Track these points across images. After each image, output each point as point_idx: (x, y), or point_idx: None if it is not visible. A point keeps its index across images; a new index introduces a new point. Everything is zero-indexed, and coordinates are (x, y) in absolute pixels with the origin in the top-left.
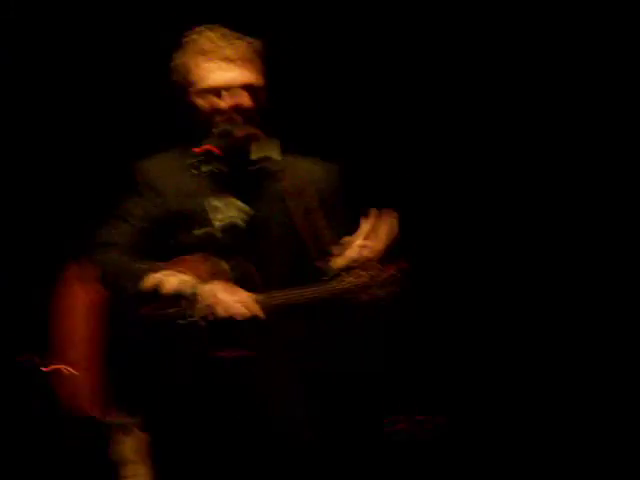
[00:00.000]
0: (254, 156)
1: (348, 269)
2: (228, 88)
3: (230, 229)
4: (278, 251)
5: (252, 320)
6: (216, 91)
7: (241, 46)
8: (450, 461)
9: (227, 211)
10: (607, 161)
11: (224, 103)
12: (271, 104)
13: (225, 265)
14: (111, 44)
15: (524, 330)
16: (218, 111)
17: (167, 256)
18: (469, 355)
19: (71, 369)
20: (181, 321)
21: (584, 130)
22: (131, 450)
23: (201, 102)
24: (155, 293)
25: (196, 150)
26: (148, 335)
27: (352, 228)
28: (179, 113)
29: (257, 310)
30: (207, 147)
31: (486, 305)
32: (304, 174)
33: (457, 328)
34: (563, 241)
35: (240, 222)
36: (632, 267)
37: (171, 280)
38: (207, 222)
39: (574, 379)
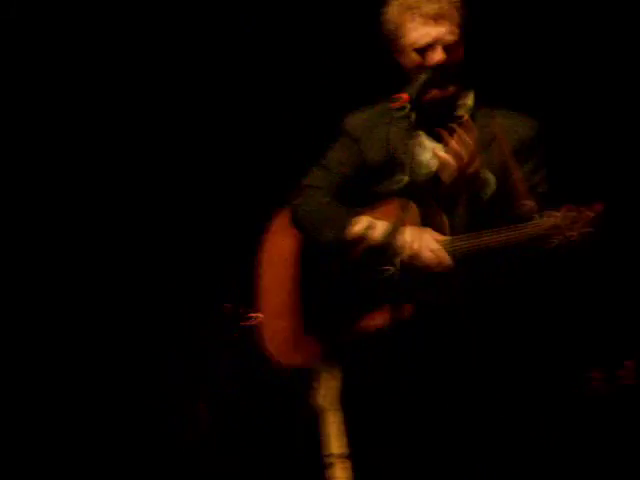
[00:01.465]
0: (456, 108)
1: (542, 213)
2: (431, 46)
3: (430, 178)
4: (473, 196)
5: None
6: (419, 50)
7: (443, 2)
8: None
9: (428, 160)
10: None
11: (426, 61)
12: (473, 57)
13: (419, 211)
14: None
15: None
16: (421, 68)
17: (364, 203)
18: None
19: (272, 318)
20: (384, 274)
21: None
22: (330, 397)
23: (405, 58)
24: (357, 240)
25: (393, 104)
26: (347, 282)
27: (548, 184)
28: (391, 63)
29: (449, 262)
30: (403, 100)
31: None
32: (501, 124)
33: None
34: None
35: (438, 171)
36: None
37: (378, 228)
38: (406, 171)
39: None
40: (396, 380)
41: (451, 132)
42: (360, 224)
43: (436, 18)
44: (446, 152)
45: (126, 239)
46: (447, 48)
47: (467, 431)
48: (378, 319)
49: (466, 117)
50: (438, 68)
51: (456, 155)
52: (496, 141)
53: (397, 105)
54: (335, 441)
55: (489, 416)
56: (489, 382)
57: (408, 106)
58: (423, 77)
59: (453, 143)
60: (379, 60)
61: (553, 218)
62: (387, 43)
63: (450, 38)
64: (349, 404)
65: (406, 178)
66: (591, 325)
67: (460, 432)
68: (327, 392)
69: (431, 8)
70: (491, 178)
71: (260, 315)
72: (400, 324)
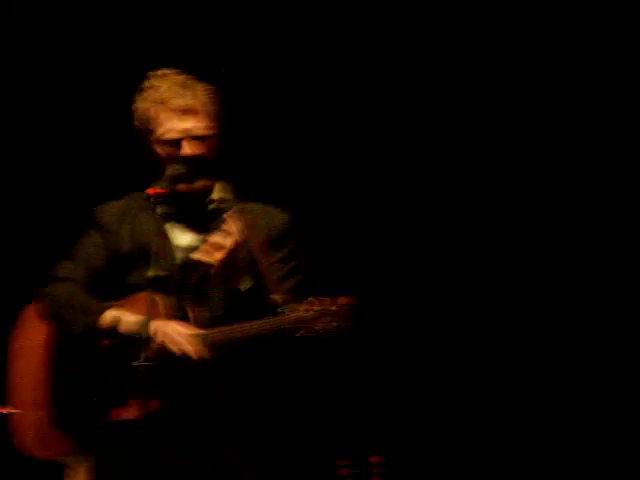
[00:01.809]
0: (213, 197)
1: (300, 302)
2: (186, 139)
3: (186, 268)
4: (229, 289)
5: (200, 360)
6: (174, 142)
7: (200, 95)
8: None
9: (183, 251)
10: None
11: (182, 152)
12: (225, 149)
13: (176, 302)
14: (75, 83)
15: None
16: (175, 160)
17: (119, 294)
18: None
19: (22, 410)
20: (135, 363)
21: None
22: None
23: (160, 150)
24: (110, 331)
25: (150, 192)
26: (99, 371)
27: (301, 272)
28: (143, 155)
29: (203, 351)
30: (159, 189)
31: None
32: (255, 216)
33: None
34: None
35: (192, 261)
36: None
37: (127, 319)
38: (162, 262)
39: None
40: (150, 472)
41: (214, 224)
42: (110, 316)
43: (187, 112)
44: (205, 245)
45: None
46: (201, 141)
47: None
48: (129, 412)
49: (229, 214)
50: (189, 161)
51: (217, 248)
52: (249, 232)
53: (154, 196)
54: None
55: None
56: (243, 470)
57: (166, 198)
58: (179, 170)
59: (215, 237)
60: (132, 151)
61: (296, 311)
62: (140, 135)
63: (201, 132)
64: None
65: (154, 270)
66: (343, 416)
67: None
68: None
69: (182, 102)
70: (247, 271)
71: (10, 408)
72: (150, 417)
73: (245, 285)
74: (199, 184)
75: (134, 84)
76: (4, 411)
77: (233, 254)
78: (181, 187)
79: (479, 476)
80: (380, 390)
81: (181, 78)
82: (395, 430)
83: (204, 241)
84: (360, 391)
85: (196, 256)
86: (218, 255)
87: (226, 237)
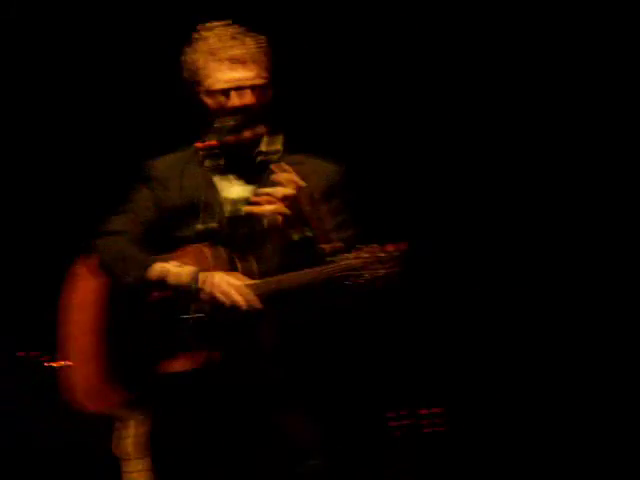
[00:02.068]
0: (262, 149)
1: (348, 250)
2: (236, 89)
3: (235, 221)
4: (279, 241)
5: (251, 310)
6: (224, 91)
7: (249, 45)
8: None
9: (232, 203)
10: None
11: (231, 103)
12: (276, 100)
13: (226, 254)
14: (128, 40)
15: (518, 318)
16: (225, 111)
17: (170, 248)
18: (466, 344)
19: (74, 363)
20: (185, 315)
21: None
22: (133, 445)
23: (209, 101)
24: (159, 282)
25: (198, 145)
26: (149, 324)
27: (353, 224)
28: (193, 108)
29: (255, 300)
30: (208, 142)
31: (485, 293)
32: (307, 167)
33: (454, 313)
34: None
35: (244, 213)
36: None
37: (176, 271)
38: (211, 215)
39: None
40: (202, 424)
41: (264, 176)
42: (159, 268)
43: (236, 61)
44: (255, 197)
45: None
46: (252, 91)
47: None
48: (179, 364)
49: (278, 165)
50: (244, 111)
51: (267, 200)
52: (297, 186)
53: (203, 149)
54: None
55: (296, 458)
56: (296, 422)
57: (215, 151)
58: (229, 121)
59: (265, 188)
60: (182, 106)
61: (345, 260)
62: (190, 87)
63: (256, 81)
64: (156, 451)
65: (203, 223)
66: (397, 367)
67: (269, 474)
68: (133, 439)
69: (231, 52)
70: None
71: (61, 361)
72: (205, 368)
73: (295, 236)
74: (248, 134)
75: (184, 37)
76: (57, 365)
77: (283, 205)
78: (230, 139)
79: (528, 426)
80: (430, 340)
81: (230, 29)
82: (446, 382)
83: (253, 193)
84: (409, 341)
85: (246, 208)
86: (268, 207)
87: (276, 188)
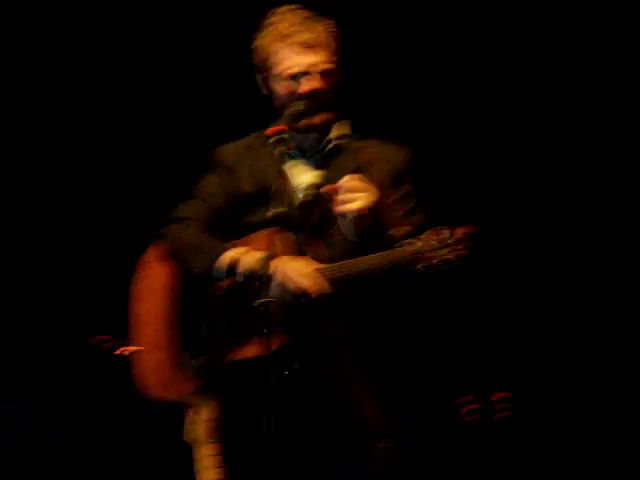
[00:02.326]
0: (330, 135)
1: (417, 235)
2: (306, 74)
3: (306, 206)
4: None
5: (321, 295)
6: (294, 77)
7: (319, 31)
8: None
9: (303, 189)
10: None
11: (302, 88)
12: (344, 84)
13: (295, 240)
14: (197, 29)
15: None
16: (295, 96)
17: (238, 234)
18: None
19: (145, 350)
20: (256, 302)
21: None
22: (205, 430)
23: (279, 87)
24: (230, 270)
25: (268, 131)
26: (220, 311)
27: (422, 209)
28: (261, 94)
29: (325, 285)
30: (278, 128)
31: (552, 278)
32: (375, 152)
33: (523, 297)
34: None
35: (313, 199)
36: None
37: (247, 258)
38: (279, 201)
39: None
40: (271, 410)
41: (334, 162)
42: (229, 255)
43: (307, 47)
44: (324, 179)
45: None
46: (322, 76)
47: (343, 462)
48: (250, 350)
49: (348, 151)
50: (309, 96)
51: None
52: (370, 169)
53: (273, 134)
54: (210, 474)
55: (365, 445)
56: (366, 410)
57: (284, 135)
58: (299, 106)
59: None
60: (251, 91)
61: (414, 244)
62: (259, 72)
63: (325, 66)
64: (225, 436)
65: (273, 209)
66: (467, 351)
67: (336, 463)
68: (202, 425)
69: (302, 37)
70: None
71: (131, 348)
72: (275, 354)
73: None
74: (318, 120)
75: (252, 24)
76: (128, 352)
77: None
78: (300, 124)
79: (601, 414)
80: (501, 325)
81: (301, 14)
82: (518, 366)
83: (324, 179)
84: (480, 326)
85: (317, 193)
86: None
87: (346, 174)
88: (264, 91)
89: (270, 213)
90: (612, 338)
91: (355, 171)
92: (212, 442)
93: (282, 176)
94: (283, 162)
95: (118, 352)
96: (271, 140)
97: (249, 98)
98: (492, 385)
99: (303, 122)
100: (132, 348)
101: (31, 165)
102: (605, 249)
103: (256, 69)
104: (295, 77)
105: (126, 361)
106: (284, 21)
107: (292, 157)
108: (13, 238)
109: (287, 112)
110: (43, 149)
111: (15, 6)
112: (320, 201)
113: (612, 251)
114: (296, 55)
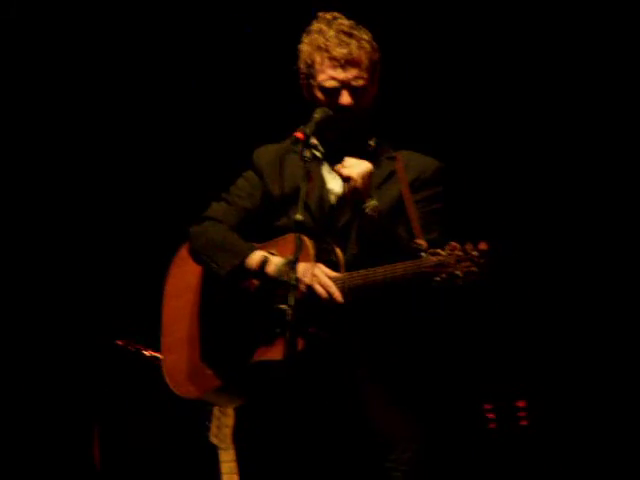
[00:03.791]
0: (360, 142)
1: (432, 250)
2: (337, 89)
3: (336, 211)
4: (370, 234)
5: (345, 302)
6: (333, 90)
7: (363, 45)
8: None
9: (334, 194)
10: None
11: (340, 101)
12: (380, 98)
13: (322, 246)
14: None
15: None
16: (334, 107)
17: (267, 236)
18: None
19: (174, 349)
20: (282, 306)
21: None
22: (223, 435)
23: (320, 95)
24: (258, 271)
25: (298, 135)
26: (246, 312)
27: (441, 222)
28: (305, 98)
29: (340, 297)
30: (303, 131)
31: (567, 294)
32: (408, 160)
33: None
34: None
35: (337, 205)
36: None
37: (276, 260)
38: (310, 205)
39: None
40: (289, 413)
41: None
42: (258, 256)
43: (350, 61)
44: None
45: (26, 270)
46: (353, 92)
47: (360, 466)
48: (275, 352)
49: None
50: (344, 110)
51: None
52: (395, 178)
53: (300, 140)
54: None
55: (381, 450)
56: (381, 415)
57: (314, 140)
58: (317, 116)
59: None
60: (297, 94)
61: (437, 256)
62: (302, 77)
63: (362, 83)
64: (243, 442)
65: (303, 213)
66: (484, 361)
67: (353, 467)
68: (220, 430)
69: (340, 52)
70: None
71: (155, 353)
72: (294, 357)
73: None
74: (355, 132)
75: (292, 30)
76: (156, 353)
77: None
78: (330, 135)
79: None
80: (525, 333)
81: (348, 25)
82: (541, 374)
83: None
84: (504, 335)
85: (345, 199)
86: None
87: (376, 182)
88: (306, 95)
89: (299, 217)
90: (630, 349)
91: (386, 178)
92: (230, 448)
93: (313, 180)
94: (314, 167)
95: (147, 353)
96: (301, 144)
97: (293, 100)
98: (512, 393)
99: (332, 133)
100: (161, 348)
101: (55, 165)
102: (627, 261)
103: (299, 73)
104: (334, 90)
105: (155, 361)
106: (322, 32)
107: (322, 162)
108: (43, 239)
109: (315, 117)
110: (63, 149)
111: (15, 6)
112: (347, 207)
113: (633, 263)
114: (331, 70)
